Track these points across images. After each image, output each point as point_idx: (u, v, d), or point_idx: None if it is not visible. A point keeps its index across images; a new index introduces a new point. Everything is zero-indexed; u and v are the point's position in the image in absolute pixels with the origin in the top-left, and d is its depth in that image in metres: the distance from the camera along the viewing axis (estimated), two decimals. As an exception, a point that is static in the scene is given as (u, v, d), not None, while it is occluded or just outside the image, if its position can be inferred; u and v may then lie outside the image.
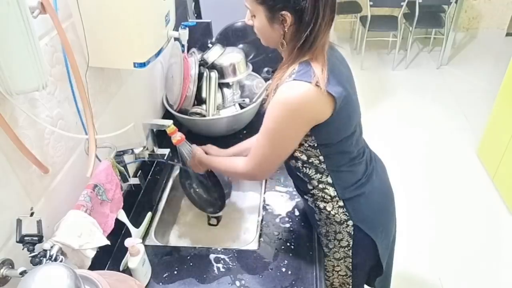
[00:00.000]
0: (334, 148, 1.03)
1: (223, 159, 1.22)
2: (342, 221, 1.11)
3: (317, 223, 1.17)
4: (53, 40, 0.91)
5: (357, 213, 1.10)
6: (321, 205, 1.11)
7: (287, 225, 1.26)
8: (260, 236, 1.23)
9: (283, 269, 1.12)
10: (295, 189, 1.36)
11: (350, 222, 1.10)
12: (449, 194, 2.63)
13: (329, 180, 1.07)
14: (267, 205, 1.33)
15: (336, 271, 1.23)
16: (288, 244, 1.19)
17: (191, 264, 1.15)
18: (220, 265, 1.14)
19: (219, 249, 1.19)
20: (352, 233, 1.12)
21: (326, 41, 0.96)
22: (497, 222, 2.42)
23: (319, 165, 1.05)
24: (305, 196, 1.15)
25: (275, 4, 0.90)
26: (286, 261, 1.14)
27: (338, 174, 1.07)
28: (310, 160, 1.05)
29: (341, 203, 1.09)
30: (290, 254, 1.16)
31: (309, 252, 1.17)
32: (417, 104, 3.56)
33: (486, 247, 2.27)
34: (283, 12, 0.90)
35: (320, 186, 1.09)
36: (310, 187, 1.11)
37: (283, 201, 1.34)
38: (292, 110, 0.92)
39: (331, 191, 1.08)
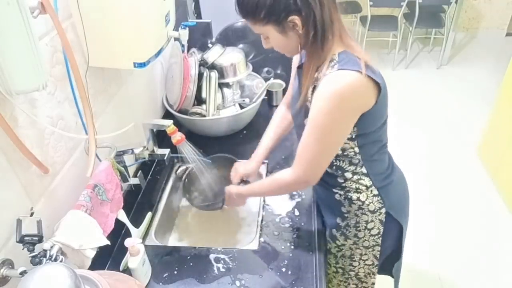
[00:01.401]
0: (370, 137, 1.03)
1: (263, 182, 1.19)
2: (375, 210, 1.13)
3: (344, 216, 1.17)
4: (53, 40, 0.91)
5: (389, 200, 1.13)
6: (354, 196, 1.12)
7: (287, 225, 1.26)
8: (260, 236, 1.22)
9: (283, 269, 1.12)
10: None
11: (383, 210, 1.13)
12: (449, 194, 2.63)
13: (364, 170, 1.08)
14: (267, 205, 1.33)
15: (363, 260, 1.24)
16: (288, 244, 1.19)
17: (191, 264, 1.15)
18: (220, 265, 1.14)
19: (219, 249, 1.19)
20: (384, 221, 1.14)
21: (344, 28, 0.96)
22: (497, 222, 2.42)
23: (354, 156, 1.06)
24: (333, 190, 1.15)
25: (279, 16, 0.91)
26: (286, 261, 1.14)
27: (371, 164, 1.08)
28: (345, 153, 1.05)
29: (375, 192, 1.11)
30: (290, 254, 1.16)
31: (309, 252, 1.16)
32: (417, 104, 3.56)
33: (485, 247, 2.27)
34: (290, 18, 0.91)
35: (355, 177, 1.09)
36: (341, 180, 1.11)
37: (283, 201, 1.34)
38: (342, 100, 0.90)
39: (367, 181, 1.09)
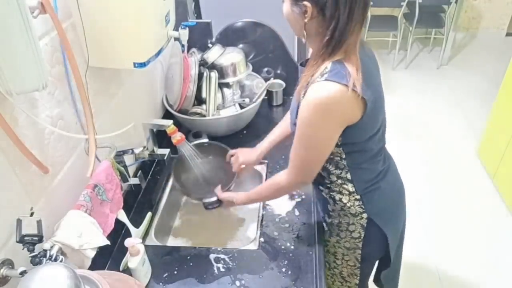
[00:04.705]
0: (357, 147, 1.03)
1: (260, 188, 1.18)
2: (357, 214, 1.12)
3: (329, 213, 1.18)
4: (53, 40, 0.91)
5: (372, 206, 1.11)
6: (337, 197, 1.12)
7: (287, 225, 1.26)
8: (260, 236, 1.23)
9: (283, 269, 1.12)
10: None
11: (365, 215, 1.12)
12: (449, 194, 2.63)
13: (349, 176, 1.08)
14: (267, 205, 1.33)
15: (345, 260, 1.25)
16: (288, 244, 1.19)
17: (191, 264, 1.15)
18: (220, 265, 1.14)
19: (219, 249, 1.19)
20: (365, 226, 1.13)
21: (357, 41, 0.94)
22: (497, 222, 2.42)
23: (339, 161, 1.06)
24: (320, 187, 1.16)
25: None
26: (286, 261, 1.14)
27: (358, 171, 1.07)
28: (331, 156, 1.04)
29: (357, 197, 1.10)
30: (290, 254, 1.16)
31: (309, 252, 1.17)
32: (417, 104, 3.56)
33: (485, 247, 2.27)
34: (305, 3, 0.89)
35: (339, 181, 1.09)
36: (327, 181, 1.12)
37: (283, 201, 1.34)
38: (323, 110, 0.90)
39: (350, 186, 1.09)
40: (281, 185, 1.10)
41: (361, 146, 1.03)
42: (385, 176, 1.13)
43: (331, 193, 1.13)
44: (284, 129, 1.31)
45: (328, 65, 0.92)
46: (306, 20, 0.91)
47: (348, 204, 1.11)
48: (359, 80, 0.90)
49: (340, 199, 1.12)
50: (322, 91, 0.89)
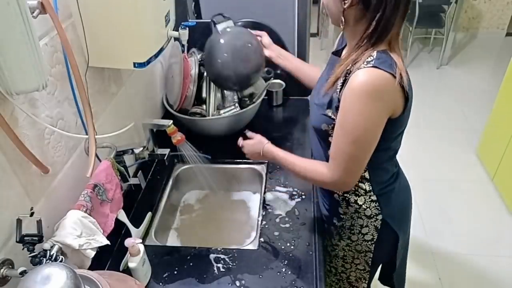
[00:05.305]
0: (385, 144, 0.99)
1: (300, 160, 1.10)
2: (372, 215, 1.11)
3: (340, 217, 1.16)
4: (53, 40, 0.91)
5: (387, 208, 1.11)
6: (352, 198, 1.11)
7: (287, 225, 1.26)
8: (260, 236, 1.22)
9: (283, 269, 1.12)
10: (295, 189, 1.37)
11: (380, 217, 1.11)
12: (449, 194, 2.63)
13: (366, 175, 1.07)
14: (267, 205, 1.33)
15: (355, 263, 1.23)
16: (288, 244, 1.19)
17: (191, 264, 1.15)
18: (220, 265, 1.14)
19: (219, 249, 1.19)
20: (379, 228, 1.13)
21: (400, 33, 0.93)
22: (497, 222, 2.42)
23: None
24: None
25: None
26: (286, 261, 1.14)
27: (376, 171, 1.07)
28: None
29: (374, 198, 1.09)
30: (290, 254, 1.16)
31: (309, 252, 1.16)
32: (417, 104, 3.54)
33: (486, 247, 2.27)
34: None
35: None
36: None
37: (283, 201, 1.34)
38: (371, 97, 0.87)
39: (366, 185, 1.08)
40: (320, 179, 1.03)
41: (388, 144, 1.01)
42: (397, 178, 1.14)
43: (345, 194, 1.12)
44: (306, 67, 1.34)
45: (373, 53, 0.90)
46: (345, 7, 0.90)
47: (364, 206, 1.10)
48: (405, 72, 0.89)
49: (356, 201, 1.11)
50: (371, 77, 0.87)
